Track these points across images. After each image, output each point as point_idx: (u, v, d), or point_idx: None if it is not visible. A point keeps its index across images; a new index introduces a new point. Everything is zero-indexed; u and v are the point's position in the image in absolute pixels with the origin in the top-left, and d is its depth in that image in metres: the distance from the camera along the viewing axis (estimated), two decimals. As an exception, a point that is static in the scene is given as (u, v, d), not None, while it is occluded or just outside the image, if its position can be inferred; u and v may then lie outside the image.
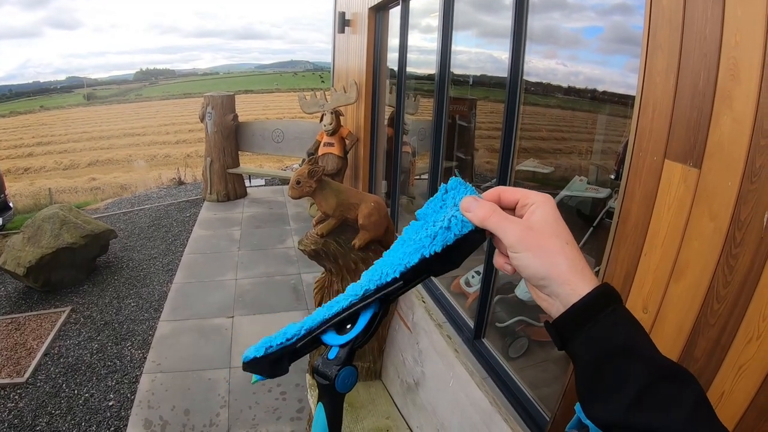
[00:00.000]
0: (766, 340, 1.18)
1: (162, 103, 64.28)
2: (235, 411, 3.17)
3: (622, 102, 3.33)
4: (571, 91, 3.41)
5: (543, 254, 0.53)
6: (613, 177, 3.72)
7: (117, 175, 17.85)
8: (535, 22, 2.82)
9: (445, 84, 3.90)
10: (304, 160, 8.89)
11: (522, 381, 2.83)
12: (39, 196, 12.13)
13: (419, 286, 2.68)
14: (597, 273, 3.11)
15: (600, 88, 3.37)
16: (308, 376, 2.62)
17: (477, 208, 0.57)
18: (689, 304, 1.41)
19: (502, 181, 3.03)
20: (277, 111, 42.37)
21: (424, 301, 2.33)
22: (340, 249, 2.48)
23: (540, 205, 0.56)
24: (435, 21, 4.53)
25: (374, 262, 0.68)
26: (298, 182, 2.39)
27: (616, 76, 3.18)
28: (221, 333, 4.02)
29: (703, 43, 1.34)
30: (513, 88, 2.82)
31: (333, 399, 0.72)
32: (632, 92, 2.86)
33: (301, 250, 2.53)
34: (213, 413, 3.15)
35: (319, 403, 0.74)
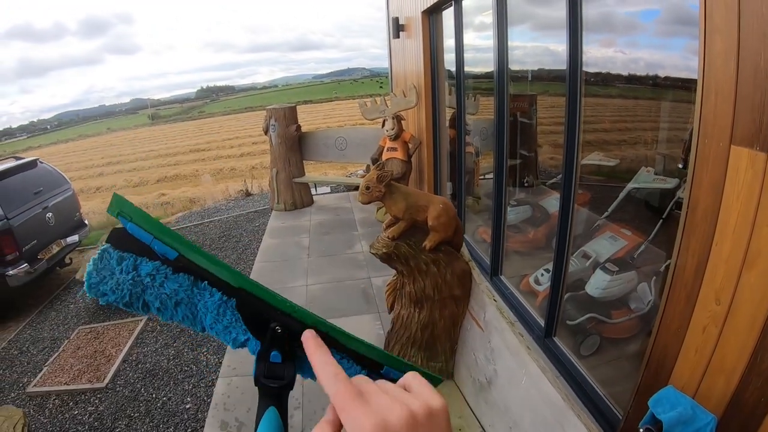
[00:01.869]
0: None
1: (224, 118, 66.61)
2: (308, 412, 3.25)
3: (685, 87, 3.19)
4: (631, 78, 3.31)
5: None
6: (680, 166, 3.57)
7: (185, 190, 18.62)
8: (589, 10, 2.76)
9: (504, 81, 3.87)
10: (368, 167, 9.04)
11: (594, 379, 2.77)
12: (111, 214, 12.80)
13: (488, 287, 2.69)
14: (668, 267, 3.02)
15: (661, 74, 3.25)
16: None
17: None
18: (763, 292, 1.36)
19: (568, 177, 2.98)
20: (337, 119, 42.96)
21: (495, 300, 2.34)
22: (411, 251, 2.54)
23: None
24: (488, 18, 4.51)
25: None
26: (367, 188, 2.46)
27: (677, 59, 3.06)
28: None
29: (761, 22, 1.30)
30: (573, 81, 2.77)
31: (285, 399, 0.74)
32: (695, 76, 2.77)
33: (372, 253, 2.60)
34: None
35: (272, 407, 0.75)
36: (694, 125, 1.64)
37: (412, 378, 0.50)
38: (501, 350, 2.15)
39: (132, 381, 3.84)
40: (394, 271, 2.76)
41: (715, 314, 1.54)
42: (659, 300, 3.03)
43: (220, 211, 8.69)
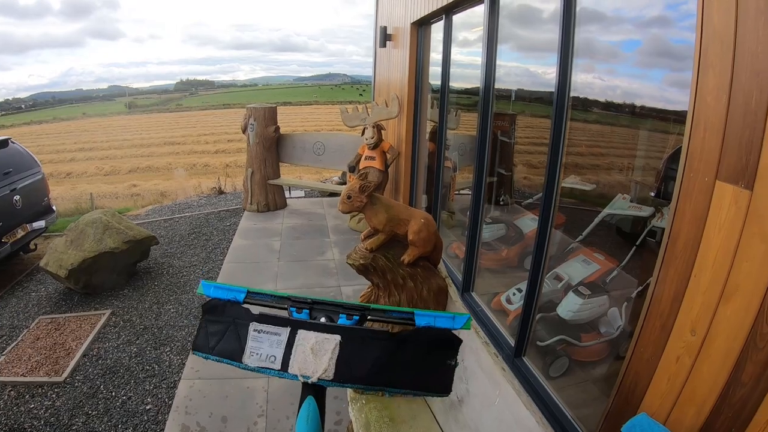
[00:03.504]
0: (820, 365, 1.15)
1: (202, 113, 66.08)
2: (272, 420, 3.21)
3: (661, 117, 3.28)
4: (608, 105, 3.38)
5: None
6: (653, 195, 3.65)
7: (157, 183, 18.39)
8: (576, 36, 2.82)
9: (490, 99, 3.91)
10: (344, 173, 9.02)
11: (562, 401, 2.79)
12: (80, 201, 12.62)
13: (463, 305, 2.69)
14: (640, 293, 3.06)
15: (638, 103, 3.33)
16: (350, 391, 2.64)
17: None
18: (738, 326, 1.38)
19: (548, 198, 3.02)
20: (316, 123, 42.99)
21: (471, 319, 2.33)
22: (388, 264, 2.51)
23: None
24: (472, 35, 4.56)
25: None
26: (349, 197, 2.44)
27: (655, 90, 3.14)
28: None
29: (755, 62, 1.33)
30: (560, 104, 2.82)
31: (322, 391, 0.91)
32: (671, 107, 2.83)
33: (349, 264, 2.57)
34: (250, 422, 3.20)
35: (309, 396, 0.90)
36: (681, 158, 1.67)
37: None
38: (474, 370, 2.15)
39: (91, 377, 3.73)
40: (365, 281, 2.73)
41: (690, 345, 1.56)
42: (629, 326, 3.09)
43: (192, 207, 8.56)
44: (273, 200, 7.82)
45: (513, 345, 3.43)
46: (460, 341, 0.99)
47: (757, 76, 1.33)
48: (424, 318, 0.95)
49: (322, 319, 0.93)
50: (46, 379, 3.70)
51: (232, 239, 6.54)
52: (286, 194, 8.36)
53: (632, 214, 3.57)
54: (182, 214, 7.96)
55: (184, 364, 3.81)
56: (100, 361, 3.91)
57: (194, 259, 5.96)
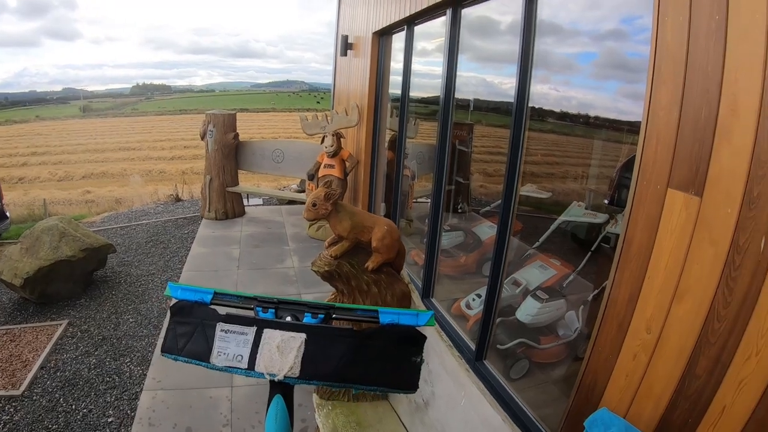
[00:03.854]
0: (765, 355, 1.25)
1: (158, 118, 64.61)
2: (237, 429, 3.19)
3: (614, 128, 3.44)
4: (563, 116, 3.51)
5: None
6: (606, 202, 3.81)
7: (112, 189, 17.92)
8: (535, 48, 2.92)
9: (449, 109, 4.00)
10: (302, 181, 9.00)
11: (524, 401, 2.87)
12: (33, 207, 12.17)
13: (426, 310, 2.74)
14: (596, 297, 3.20)
15: (592, 113, 3.48)
16: (315, 396, 2.66)
17: None
18: (691, 324, 1.48)
19: (507, 205, 3.11)
20: (273, 131, 42.66)
21: (434, 324, 2.38)
22: (353, 270, 2.55)
23: None
24: (433, 45, 4.66)
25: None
26: (314, 204, 2.47)
27: (608, 101, 3.29)
28: None
29: (705, 80, 1.44)
30: (519, 114, 2.91)
31: (290, 389, 0.93)
32: (625, 117, 2.98)
33: (314, 271, 2.60)
34: (215, 431, 3.17)
35: (277, 395, 0.91)
36: (635, 168, 1.77)
37: None
38: (439, 372, 2.20)
39: (50, 390, 3.62)
40: (325, 288, 2.77)
41: (646, 343, 1.66)
42: (586, 328, 3.21)
43: (149, 214, 8.38)
44: (231, 208, 7.74)
45: (474, 349, 3.50)
46: (424, 338, 1.02)
47: (706, 93, 1.44)
48: (388, 315, 0.98)
49: (288, 318, 0.95)
50: (2, 392, 3.57)
51: (190, 247, 6.46)
52: (244, 202, 8.29)
53: (587, 221, 3.72)
54: (139, 222, 7.78)
55: (145, 374, 3.75)
56: (58, 374, 3.80)
57: (152, 267, 5.84)
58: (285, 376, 0.87)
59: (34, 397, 3.53)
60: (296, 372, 0.88)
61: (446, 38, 3.84)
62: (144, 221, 7.83)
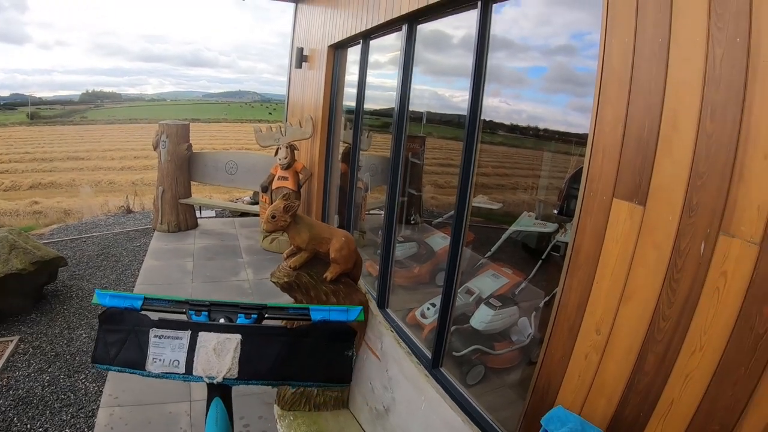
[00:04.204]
0: (708, 350, 1.37)
1: (107, 127, 62.44)
2: (197, 442, 3.14)
3: (563, 140, 3.60)
4: (513, 128, 3.65)
5: None
6: (555, 212, 3.98)
7: (60, 200, 17.20)
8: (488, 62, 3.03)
9: (404, 121, 4.08)
10: (255, 193, 8.92)
11: (481, 406, 2.95)
12: (-22, 218, 11.56)
13: (384, 318, 2.79)
14: (547, 303, 3.32)
15: (541, 126, 3.63)
16: (276, 407, 2.66)
17: None
18: (638, 324, 1.59)
19: (459, 216, 3.20)
20: (224, 142, 41.97)
21: (392, 331, 2.44)
22: (312, 281, 2.58)
23: None
24: (388, 59, 4.76)
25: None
26: (273, 216, 2.49)
27: (558, 114, 3.44)
28: None
29: (647, 98, 1.57)
30: (472, 127, 3.00)
31: (228, 391, 0.93)
32: (573, 130, 3.12)
33: (273, 282, 2.61)
34: None
35: (216, 398, 0.91)
36: (582, 180, 1.88)
37: None
38: (399, 379, 2.25)
39: (3, 409, 3.45)
40: (282, 300, 2.78)
41: (596, 343, 1.76)
42: (539, 333, 3.33)
43: (99, 226, 8.09)
44: (184, 220, 7.59)
45: (430, 357, 3.57)
46: (354, 333, 1.05)
47: (649, 111, 1.56)
48: (319, 313, 1.00)
49: (222, 320, 0.95)
50: None
51: (143, 260, 6.29)
52: (197, 214, 8.14)
53: (537, 231, 3.86)
54: (90, 234, 7.49)
55: (101, 391, 3.63)
56: (11, 392, 3.63)
57: (104, 281, 5.65)
58: (224, 378, 0.88)
59: None
60: (234, 373, 0.88)
61: (402, 53, 3.94)
62: (95, 233, 7.55)
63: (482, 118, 3.02)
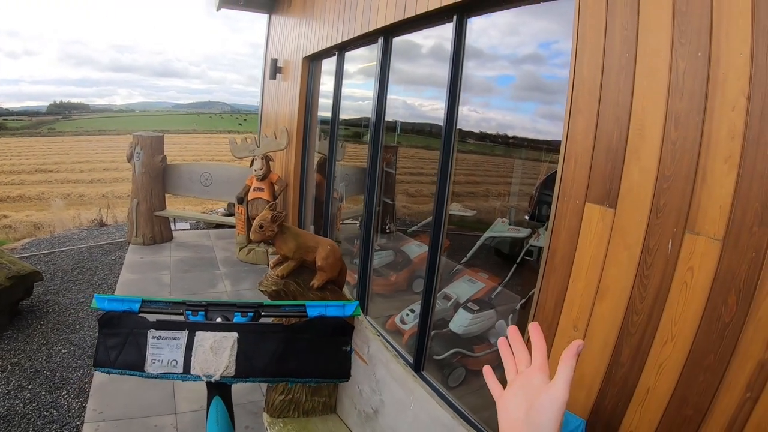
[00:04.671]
0: (679, 340, 1.47)
1: (75, 138, 61.02)
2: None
3: (533, 147, 3.72)
4: (483, 136, 3.75)
5: None
6: (528, 217, 4.11)
7: (30, 214, 16.73)
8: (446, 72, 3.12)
9: (380, 131, 4.16)
10: (231, 204, 8.89)
11: (464, 407, 3.03)
12: (-55, 232, 11.16)
13: (369, 324, 2.85)
14: (524, 306, 3.43)
15: (510, 133, 3.74)
16: (265, 415, 2.69)
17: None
18: (612, 319, 1.70)
19: (437, 223, 3.27)
20: (194, 153, 41.47)
21: (378, 335, 2.50)
22: (299, 289, 2.63)
23: (548, 404, 0.64)
24: (362, 70, 4.84)
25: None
26: (261, 227, 2.53)
27: (527, 122, 3.55)
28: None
29: (616, 109, 1.68)
30: (448, 136, 3.09)
31: (227, 389, 0.95)
32: (542, 137, 3.22)
33: (261, 290, 2.65)
34: None
35: (216, 397, 0.94)
36: (556, 184, 1.99)
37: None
38: (386, 381, 2.31)
39: None
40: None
41: (574, 340, 1.86)
42: (515, 335, 3.43)
43: (72, 240, 7.93)
44: (159, 232, 7.51)
45: (412, 361, 3.63)
46: (352, 327, 1.05)
47: (617, 120, 1.67)
48: (315, 309, 1.00)
49: (218, 319, 0.96)
50: None
51: (119, 274, 6.22)
52: (171, 226, 8.06)
53: (511, 236, 3.98)
54: (63, 248, 7.35)
55: (84, 406, 3.59)
56: None
57: (80, 295, 5.56)
58: (222, 376, 0.89)
59: None
60: (232, 371, 0.89)
61: (378, 65, 4.02)
62: (68, 247, 7.41)
63: (459, 128, 3.11)
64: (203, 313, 0.97)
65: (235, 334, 0.90)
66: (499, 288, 3.85)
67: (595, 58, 1.76)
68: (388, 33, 3.88)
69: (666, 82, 1.52)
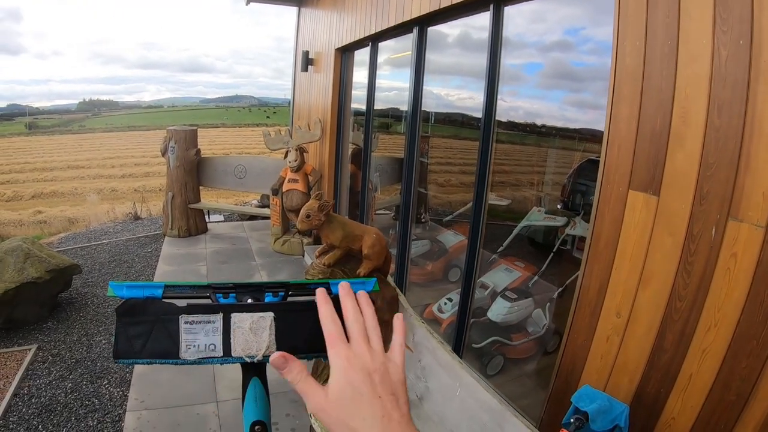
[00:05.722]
0: (722, 326, 1.49)
1: (105, 135, 62.41)
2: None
3: (562, 135, 3.69)
4: (511, 125, 3.72)
5: (343, 427, 0.57)
6: (559, 206, 4.09)
7: (64, 209, 17.22)
8: (478, 60, 3.11)
9: (417, 122, 4.19)
10: (264, 196, 9.03)
11: (503, 395, 3.07)
12: (-17, 229, 11.57)
13: (413, 312, 2.89)
14: (561, 294, 3.44)
15: (539, 122, 3.71)
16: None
17: (287, 370, 0.66)
18: (656, 305, 1.72)
19: (477, 212, 3.30)
20: (223, 146, 41.98)
21: (423, 323, 2.55)
22: (345, 277, 2.68)
23: (340, 371, 0.61)
24: (396, 61, 4.85)
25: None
26: (308, 216, 2.58)
27: (555, 110, 3.52)
28: (203, 368, 3.82)
29: (659, 95, 1.69)
30: (487, 126, 3.12)
31: (264, 370, 0.91)
32: (571, 125, 3.18)
33: (308, 279, 2.71)
34: None
35: (254, 378, 0.90)
36: (599, 173, 2.00)
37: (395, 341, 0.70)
38: (433, 367, 2.35)
39: (27, 417, 3.46)
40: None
41: (617, 326, 1.88)
42: (553, 324, 3.45)
43: (108, 234, 8.14)
44: (194, 225, 7.67)
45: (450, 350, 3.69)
46: (374, 302, 1.09)
47: (661, 106, 1.68)
48: (337, 286, 0.95)
49: (249, 300, 0.94)
50: None
51: (156, 266, 6.35)
52: (206, 218, 8.22)
53: (547, 225, 3.97)
54: (99, 242, 7.54)
55: (126, 395, 3.66)
56: (33, 400, 3.64)
57: None
58: (263, 355, 0.86)
59: (11, 426, 3.38)
60: (273, 349, 0.87)
61: (413, 55, 4.05)
62: (104, 241, 7.61)
63: (478, 116, 3.11)
64: (234, 294, 0.94)
65: (271, 314, 0.89)
66: (536, 277, 3.86)
67: (637, 47, 1.77)
68: (423, 23, 3.90)
69: (708, 70, 1.52)
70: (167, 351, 0.86)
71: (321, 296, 0.73)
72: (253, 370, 0.90)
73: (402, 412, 0.56)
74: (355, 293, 0.84)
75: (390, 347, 0.66)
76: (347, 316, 0.69)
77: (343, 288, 0.77)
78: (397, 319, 0.74)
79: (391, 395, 0.58)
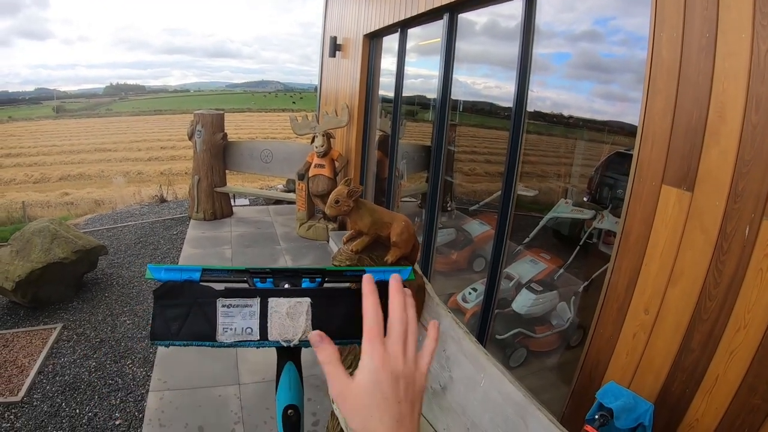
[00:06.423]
0: (752, 328, 1.46)
1: (132, 118, 63.56)
2: (250, 427, 3.19)
3: (590, 127, 3.62)
4: (538, 115, 3.67)
5: (359, 421, 0.58)
6: (586, 199, 4.03)
7: (90, 191, 17.63)
8: (507, 49, 3.06)
9: (446, 110, 4.17)
10: (290, 181, 9.09)
11: (524, 388, 3.07)
12: (11, 209, 11.95)
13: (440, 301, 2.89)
14: (587, 288, 3.40)
15: (566, 113, 3.64)
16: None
17: (321, 349, 0.68)
18: (685, 303, 1.69)
19: (506, 202, 3.28)
20: (249, 131, 42.33)
21: (449, 312, 2.55)
22: (373, 264, 2.69)
23: (370, 369, 0.61)
24: (425, 48, 4.82)
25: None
26: (337, 201, 2.59)
27: (583, 101, 3.45)
28: (225, 351, 3.90)
29: (695, 89, 1.65)
30: (518, 116, 3.08)
31: (299, 355, 0.92)
32: (598, 117, 3.12)
33: (335, 265, 2.73)
34: (228, 429, 3.17)
35: (289, 362, 0.91)
36: (631, 167, 1.97)
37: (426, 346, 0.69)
38: (457, 357, 2.35)
39: (51, 395, 3.54)
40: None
41: (644, 322, 1.86)
42: (577, 317, 3.42)
43: (134, 216, 8.28)
44: (220, 208, 7.76)
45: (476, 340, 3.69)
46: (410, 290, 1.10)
47: (697, 100, 1.64)
48: (376, 274, 0.95)
49: (286, 286, 0.94)
50: (1, 399, 3.47)
51: (181, 248, 6.43)
52: (231, 202, 8.31)
53: (575, 217, 3.92)
54: (125, 223, 7.68)
55: (149, 376, 3.73)
56: (57, 378, 3.73)
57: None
58: (299, 340, 0.87)
59: (35, 403, 3.45)
60: (309, 334, 0.87)
61: (443, 42, 4.01)
62: (130, 222, 7.74)
63: (508, 105, 3.07)
64: (271, 279, 0.95)
65: (308, 299, 0.89)
66: (562, 270, 3.82)
67: (674, 39, 1.72)
68: (454, 9, 3.85)
69: (747, 64, 1.48)
70: (204, 334, 0.88)
71: (369, 285, 0.72)
72: (288, 354, 0.91)
73: (414, 421, 0.58)
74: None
75: (420, 354, 0.66)
76: (393, 313, 0.68)
77: (396, 282, 0.75)
78: (432, 327, 0.73)
79: (410, 403, 0.59)
